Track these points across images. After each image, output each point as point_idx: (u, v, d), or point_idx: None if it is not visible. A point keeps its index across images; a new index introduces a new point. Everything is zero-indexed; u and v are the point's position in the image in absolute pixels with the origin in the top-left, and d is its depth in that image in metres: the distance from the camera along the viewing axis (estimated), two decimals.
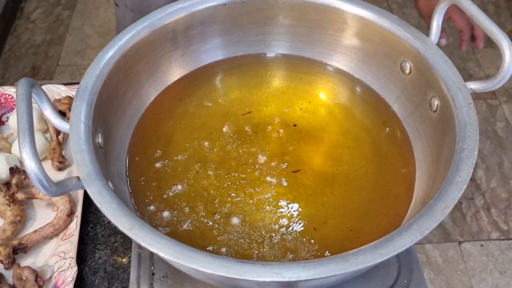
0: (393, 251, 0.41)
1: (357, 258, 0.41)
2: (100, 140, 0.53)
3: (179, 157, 0.61)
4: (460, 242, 1.54)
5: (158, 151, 0.61)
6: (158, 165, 0.60)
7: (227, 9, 0.64)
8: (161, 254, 0.40)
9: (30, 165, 0.41)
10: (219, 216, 0.57)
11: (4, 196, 0.72)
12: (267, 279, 0.39)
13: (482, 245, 1.54)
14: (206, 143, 0.63)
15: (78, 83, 0.87)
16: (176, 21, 0.62)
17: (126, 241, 0.73)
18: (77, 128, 0.49)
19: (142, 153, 0.61)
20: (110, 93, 0.56)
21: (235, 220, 0.56)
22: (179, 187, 0.59)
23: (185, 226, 0.56)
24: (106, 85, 0.55)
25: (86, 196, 0.74)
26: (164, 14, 0.62)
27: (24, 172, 0.73)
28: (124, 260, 0.71)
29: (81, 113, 0.51)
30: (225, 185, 0.59)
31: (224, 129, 0.64)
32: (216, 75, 0.69)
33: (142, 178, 0.59)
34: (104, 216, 0.74)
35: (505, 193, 1.66)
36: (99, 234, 0.73)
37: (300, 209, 0.58)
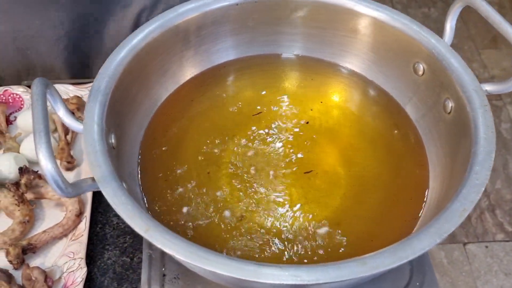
0: (412, 254, 0.41)
1: (376, 261, 0.40)
2: (113, 140, 0.53)
3: (190, 158, 0.61)
4: (465, 244, 1.54)
5: (170, 151, 0.61)
6: (169, 165, 0.60)
7: (239, 9, 0.64)
8: (178, 256, 0.40)
9: (46, 166, 0.40)
10: (231, 218, 0.56)
11: (13, 196, 0.71)
12: (285, 282, 0.39)
13: (487, 247, 1.53)
14: (217, 144, 0.62)
15: (86, 83, 0.87)
16: (188, 21, 0.62)
17: (135, 242, 0.72)
18: (90, 128, 0.49)
19: (154, 153, 0.61)
20: (122, 94, 0.56)
21: (247, 222, 0.56)
22: (191, 188, 0.58)
23: (196, 228, 0.55)
24: (118, 85, 0.55)
25: (94, 196, 0.74)
26: (176, 14, 0.61)
27: (34, 172, 0.73)
28: (133, 261, 0.71)
29: (94, 113, 0.50)
30: (237, 186, 0.59)
31: (235, 130, 0.64)
32: (227, 76, 0.68)
33: (153, 178, 0.59)
34: (113, 216, 0.75)
35: (510, 195, 1.66)
36: (107, 234, 0.73)
37: (312, 211, 0.57)
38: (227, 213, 0.57)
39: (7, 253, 0.67)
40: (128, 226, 0.72)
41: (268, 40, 0.68)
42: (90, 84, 0.86)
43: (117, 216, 0.74)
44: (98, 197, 0.75)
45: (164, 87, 0.64)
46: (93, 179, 0.46)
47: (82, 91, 0.87)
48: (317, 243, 0.55)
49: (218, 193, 0.58)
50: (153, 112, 0.63)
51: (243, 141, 0.63)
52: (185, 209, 0.57)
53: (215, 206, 0.57)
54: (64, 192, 0.42)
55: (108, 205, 0.75)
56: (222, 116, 0.65)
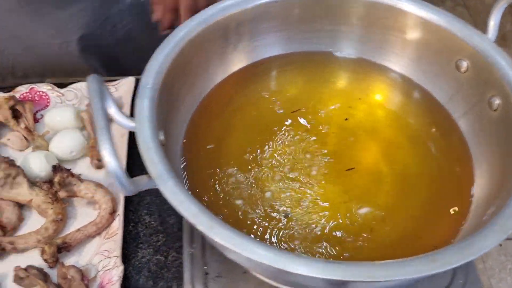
0: (479, 251, 0.41)
1: (445, 258, 0.40)
2: (162, 137, 0.52)
3: (233, 155, 0.60)
4: None
5: (211, 148, 0.61)
6: (212, 163, 0.60)
7: (278, 6, 0.64)
8: (249, 256, 0.39)
9: (110, 162, 0.40)
10: (274, 215, 0.56)
11: (47, 194, 0.71)
12: (360, 279, 0.38)
13: (500, 245, 1.53)
14: (258, 141, 0.62)
15: (113, 80, 0.86)
16: (228, 17, 0.62)
17: (168, 240, 0.72)
18: (142, 125, 0.48)
19: (196, 150, 0.60)
20: (167, 90, 0.55)
21: (292, 219, 0.56)
22: (234, 185, 0.58)
23: (242, 225, 0.55)
24: (164, 82, 0.54)
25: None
26: (216, 10, 0.61)
27: (67, 170, 0.72)
28: (167, 259, 0.70)
29: (145, 110, 0.50)
30: (279, 184, 0.59)
31: (275, 127, 0.63)
32: (266, 73, 0.68)
33: (198, 176, 0.58)
34: (145, 215, 0.74)
35: None
36: (140, 233, 0.73)
37: (356, 209, 0.57)
38: (270, 210, 0.56)
39: (43, 252, 0.66)
40: (161, 225, 0.73)
41: (306, 37, 0.68)
42: (115, 82, 0.86)
43: (149, 214, 0.74)
44: (129, 196, 0.75)
45: (205, 84, 0.64)
46: (148, 176, 0.45)
47: (109, 89, 0.86)
48: (363, 240, 0.55)
49: (261, 191, 0.58)
50: (194, 108, 0.63)
51: (283, 138, 0.62)
52: (231, 206, 0.56)
53: (259, 203, 0.57)
54: (126, 190, 0.41)
55: (139, 204, 0.75)
56: (261, 113, 0.64)
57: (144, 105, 0.50)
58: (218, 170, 0.59)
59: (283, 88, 0.67)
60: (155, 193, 0.75)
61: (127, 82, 0.86)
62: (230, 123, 0.63)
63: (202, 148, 0.60)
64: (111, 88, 0.86)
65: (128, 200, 0.74)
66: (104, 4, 0.94)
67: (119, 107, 0.79)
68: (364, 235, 0.55)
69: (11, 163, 0.72)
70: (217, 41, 0.62)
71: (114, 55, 1.02)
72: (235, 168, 0.59)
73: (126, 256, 0.69)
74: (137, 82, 0.85)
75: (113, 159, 0.40)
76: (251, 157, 0.60)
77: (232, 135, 0.62)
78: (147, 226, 0.73)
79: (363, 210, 0.57)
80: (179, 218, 0.74)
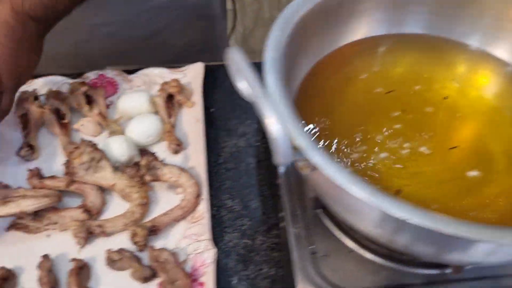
0: None
1: None
2: None
3: (338, 134, 0.60)
4: None
5: (314, 129, 0.60)
6: (319, 142, 0.60)
7: None
8: (432, 226, 0.39)
9: (277, 129, 0.40)
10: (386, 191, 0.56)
11: (133, 177, 0.70)
12: None
13: None
14: (361, 120, 0.62)
15: (180, 67, 0.85)
16: None
17: (253, 224, 0.72)
18: (278, 100, 0.48)
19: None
20: (283, 69, 0.55)
21: (404, 195, 0.56)
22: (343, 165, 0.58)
23: None
24: (280, 60, 0.54)
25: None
26: None
27: (152, 154, 0.72)
28: (255, 243, 0.70)
29: (276, 85, 0.49)
30: (387, 161, 0.58)
31: (376, 107, 0.63)
32: (361, 54, 0.67)
33: None
34: (227, 199, 0.74)
35: None
36: (224, 217, 0.72)
37: (467, 185, 0.57)
38: (383, 188, 0.56)
39: (134, 235, 0.66)
40: (244, 209, 0.72)
41: (399, 19, 0.67)
42: (183, 68, 0.85)
43: (231, 199, 0.74)
44: (211, 180, 0.74)
45: (305, 63, 0.63)
46: (295, 148, 0.45)
47: (176, 75, 0.85)
48: (477, 216, 0.55)
49: (371, 168, 0.58)
50: (295, 90, 0.62)
51: (385, 117, 0.62)
52: None
53: (371, 181, 0.57)
54: (288, 158, 0.41)
55: (219, 188, 0.75)
56: (361, 92, 0.64)
57: (274, 80, 0.50)
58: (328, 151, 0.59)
59: (382, 68, 0.67)
60: (236, 178, 0.75)
61: (195, 68, 0.86)
62: (329, 103, 0.63)
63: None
64: (178, 74, 0.85)
65: (208, 185, 0.73)
66: None
67: (190, 93, 0.79)
68: (479, 210, 0.55)
69: (95, 147, 0.71)
70: (317, 22, 0.62)
71: (141, 46, 1.00)
72: (342, 149, 0.59)
73: (213, 240, 0.68)
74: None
75: (280, 126, 0.39)
76: (357, 138, 0.60)
77: (334, 115, 0.62)
78: (230, 210, 0.73)
79: (475, 185, 0.57)
80: (262, 202, 0.74)
